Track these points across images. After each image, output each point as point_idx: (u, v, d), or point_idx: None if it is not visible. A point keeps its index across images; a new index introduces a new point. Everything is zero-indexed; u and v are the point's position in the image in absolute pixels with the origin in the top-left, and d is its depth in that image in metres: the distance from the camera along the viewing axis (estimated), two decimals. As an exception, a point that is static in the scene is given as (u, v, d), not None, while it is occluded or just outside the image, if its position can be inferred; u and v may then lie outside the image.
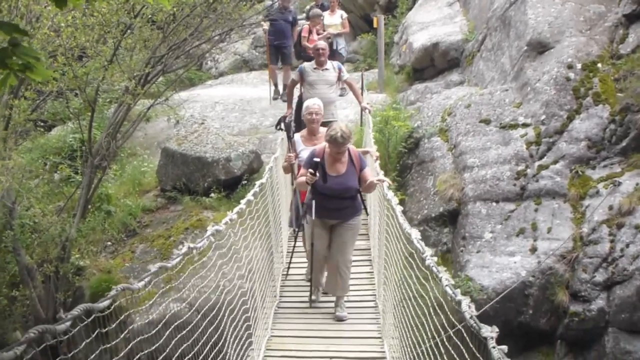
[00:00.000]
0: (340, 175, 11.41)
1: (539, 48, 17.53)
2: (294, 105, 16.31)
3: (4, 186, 14.05)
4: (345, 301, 12.14)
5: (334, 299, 12.19)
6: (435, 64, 23.67)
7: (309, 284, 12.79)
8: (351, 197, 11.68)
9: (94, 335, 5.64)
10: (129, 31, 16.05)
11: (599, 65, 16.39)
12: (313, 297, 12.52)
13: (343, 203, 11.60)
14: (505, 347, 4.92)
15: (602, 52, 16.69)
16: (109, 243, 17.46)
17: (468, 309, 5.77)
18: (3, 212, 15.06)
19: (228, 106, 23.89)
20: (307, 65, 16.18)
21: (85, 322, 5.33)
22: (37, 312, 15.41)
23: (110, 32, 15.42)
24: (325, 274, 12.36)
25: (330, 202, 11.49)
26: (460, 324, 5.87)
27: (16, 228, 15.27)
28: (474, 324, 5.46)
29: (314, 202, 11.50)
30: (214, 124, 22.13)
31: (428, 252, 7.66)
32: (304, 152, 12.28)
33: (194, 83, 28.76)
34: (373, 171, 12.67)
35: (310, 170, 11.13)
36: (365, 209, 12.90)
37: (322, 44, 16.49)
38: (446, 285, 6.50)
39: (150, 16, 16.22)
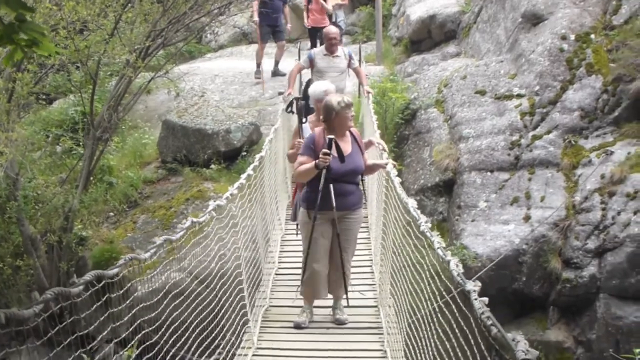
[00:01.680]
0: (348, 155, 10.01)
1: (534, 20, 17.71)
2: (297, 91, 16.08)
3: (7, 158, 14.21)
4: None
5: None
6: (432, 36, 23.80)
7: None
8: (356, 182, 10.41)
9: (103, 299, 5.88)
10: (129, 5, 16.19)
11: (592, 36, 16.56)
12: (303, 318, 10.69)
13: (348, 188, 10.19)
14: (486, 299, 5.09)
15: (595, 23, 16.85)
16: (111, 214, 17.64)
17: (455, 267, 5.98)
18: (7, 183, 15.20)
19: (227, 79, 23.93)
20: (317, 51, 15.85)
21: (96, 287, 5.59)
22: (40, 282, 15.68)
23: (111, 5, 15.58)
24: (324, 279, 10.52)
25: (337, 186, 9.95)
26: (456, 289, 6.05)
27: (20, 199, 15.45)
28: (460, 280, 5.66)
29: (332, 187, 9.87)
30: (213, 97, 22.19)
31: (423, 219, 7.88)
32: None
33: (194, 56, 28.80)
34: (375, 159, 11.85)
35: (325, 150, 9.63)
36: (365, 198, 12.20)
37: (334, 30, 15.85)
38: (438, 248, 6.72)
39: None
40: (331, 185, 9.86)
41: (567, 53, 16.42)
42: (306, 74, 16.82)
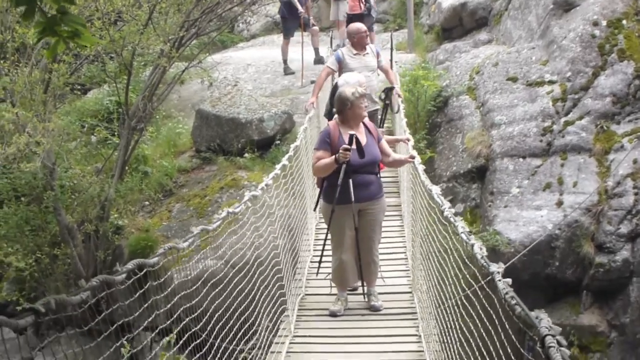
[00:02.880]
0: (365, 146, 10.00)
1: (565, 6, 17.72)
2: (325, 95, 15.14)
3: (45, 148, 14.36)
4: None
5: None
6: (463, 23, 23.79)
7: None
8: (375, 172, 10.38)
9: (145, 287, 6.03)
10: (163, -5, 16.31)
11: (624, 22, 16.57)
12: (337, 307, 10.75)
13: (368, 178, 10.21)
14: (509, 280, 5.17)
15: (627, 9, 16.86)
16: (147, 203, 17.79)
17: (479, 250, 6.07)
18: (44, 173, 15.37)
19: (260, 68, 24.02)
20: (345, 51, 14.76)
21: (138, 276, 5.75)
22: (78, 271, 15.82)
23: (146, -4, 15.72)
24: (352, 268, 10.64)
25: (356, 178, 10.00)
26: (480, 273, 6.12)
27: (57, 189, 15.59)
28: (484, 263, 5.75)
29: (351, 182, 9.90)
30: (246, 86, 22.29)
31: (447, 204, 7.98)
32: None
33: (226, 45, 28.89)
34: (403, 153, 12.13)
35: (345, 145, 9.68)
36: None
37: (362, 26, 14.85)
38: (461, 232, 6.82)
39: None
40: (350, 180, 9.91)
41: (599, 39, 16.43)
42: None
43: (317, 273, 11.17)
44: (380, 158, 10.40)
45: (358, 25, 14.96)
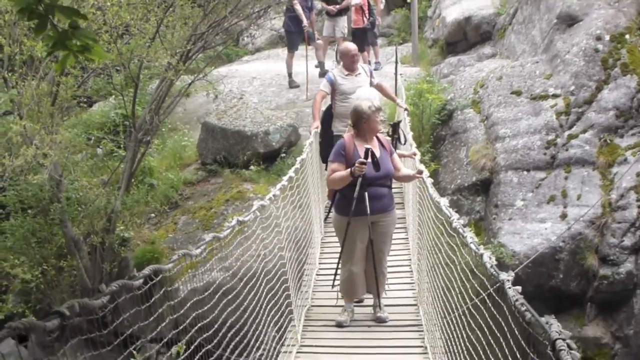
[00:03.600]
0: (379, 159, 10.06)
1: (569, 21, 17.81)
2: (319, 119, 14.63)
3: (52, 160, 14.43)
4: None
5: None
6: (467, 37, 23.96)
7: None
8: (388, 185, 10.48)
9: (161, 292, 6.11)
10: (170, 9, 16.43)
11: (627, 36, 16.66)
12: (344, 317, 10.83)
13: (382, 191, 10.32)
14: (519, 288, 5.28)
15: (629, 23, 16.93)
16: (153, 215, 17.86)
17: (489, 259, 6.16)
18: (50, 185, 15.41)
19: (265, 81, 24.11)
20: (337, 73, 14.37)
21: (154, 281, 5.83)
22: (83, 282, 15.86)
23: (153, 10, 15.83)
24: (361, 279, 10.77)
25: (370, 190, 10.07)
26: (489, 282, 6.19)
27: (63, 201, 15.60)
28: (494, 272, 5.84)
29: (366, 194, 10.00)
30: (252, 99, 22.39)
31: (455, 216, 8.07)
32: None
33: (231, 59, 29.02)
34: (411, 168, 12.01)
35: (362, 159, 9.74)
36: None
37: (353, 46, 14.62)
38: (471, 242, 6.91)
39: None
40: (366, 193, 9.99)
41: (602, 53, 16.51)
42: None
43: (333, 285, 11.04)
44: (392, 172, 10.46)
45: (348, 45, 14.82)
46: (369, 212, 10.00)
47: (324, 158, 14.11)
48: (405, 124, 14.55)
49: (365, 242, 10.36)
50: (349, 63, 14.18)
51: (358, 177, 9.87)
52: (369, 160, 9.81)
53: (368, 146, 9.86)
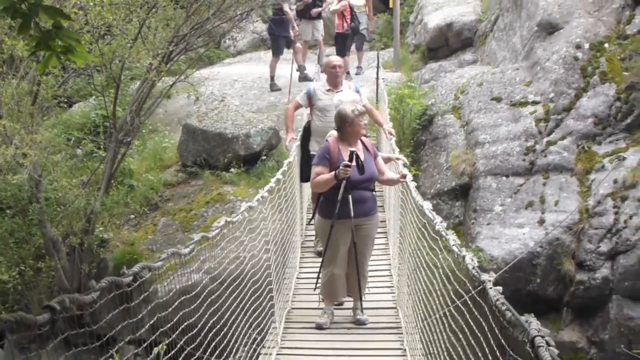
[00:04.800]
0: (363, 162, 9.97)
1: (549, 28, 17.94)
2: (299, 136, 14.15)
3: (32, 160, 14.39)
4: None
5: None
6: (449, 43, 24.08)
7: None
8: (371, 188, 10.42)
9: (146, 294, 6.11)
10: (153, 10, 16.42)
11: (606, 45, 16.77)
12: (324, 320, 10.79)
13: (365, 195, 10.26)
14: (500, 288, 5.36)
15: (609, 32, 17.06)
16: (132, 216, 17.80)
17: (471, 261, 6.23)
18: (30, 185, 15.36)
19: (247, 84, 24.14)
20: (317, 87, 13.60)
21: (144, 278, 5.87)
22: (62, 283, 15.83)
23: (135, 11, 15.80)
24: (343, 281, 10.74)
25: (354, 194, 9.99)
26: (471, 283, 6.24)
27: (42, 201, 15.58)
28: (475, 273, 5.91)
29: (350, 198, 9.94)
30: (233, 101, 22.35)
31: (438, 219, 8.13)
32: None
33: (213, 61, 28.96)
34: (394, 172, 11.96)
35: (346, 162, 9.70)
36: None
37: (337, 59, 13.89)
38: (453, 245, 6.98)
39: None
40: (350, 195, 9.93)
41: (582, 61, 16.63)
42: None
43: (315, 287, 10.99)
44: (377, 175, 10.44)
45: (331, 58, 14.29)
46: (352, 215, 9.96)
47: (301, 178, 13.96)
48: (392, 148, 13.59)
49: (348, 244, 10.31)
50: (331, 77, 13.38)
51: (342, 180, 9.81)
52: (354, 163, 9.76)
53: (353, 149, 9.85)
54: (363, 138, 10.55)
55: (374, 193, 10.54)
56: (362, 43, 24.46)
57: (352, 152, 9.76)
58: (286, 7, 22.02)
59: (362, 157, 10.02)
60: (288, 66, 22.63)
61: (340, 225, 10.12)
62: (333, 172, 9.87)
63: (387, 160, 12.04)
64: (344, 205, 9.95)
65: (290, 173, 12.88)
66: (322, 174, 10.10)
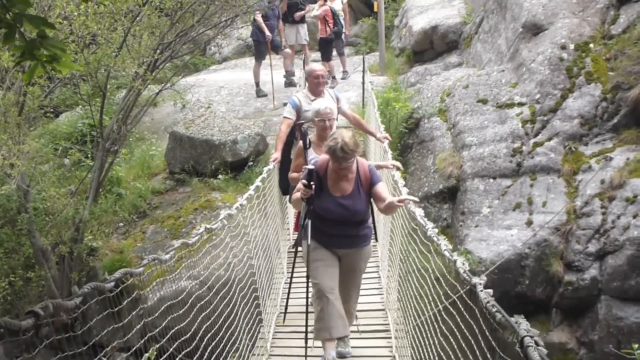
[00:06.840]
0: (345, 196, 8.66)
1: (534, 30, 18.00)
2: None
3: (19, 170, 14.39)
4: None
5: None
6: (434, 46, 24.17)
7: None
8: (360, 221, 8.88)
9: (130, 299, 6.11)
10: (137, 18, 16.41)
11: (591, 45, 16.81)
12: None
13: (350, 230, 8.82)
14: (491, 291, 5.39)
15: (594, 32, 17.11)
16: (121, 224, 17.81)
17: (462, 265, 6.25)
18: (18, 195, 15.37)
19: (233, 90, 24.25)
20: (301, 97, 13.10)
21: (126, 284, 5.85)
22: (52, 292, 15.80)
23: (120, 20, 15.74)
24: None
25: (334, 227, 8.76)
26: (462, 286, 6.26)
27: (30, 211, 15.61)
28: (466, 277, 5.93)
29: (309, 223, 8.93)
30: (220, 108, 22.46)
31: (430, 225, 8.09)
32: (312, 153, 10.28)
33: (199, 68, 29.09)
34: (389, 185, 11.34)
35: (304, 180, 8.45)
36: (375, 234, 10.39)
37: (320, 68, 13.49)
38: (445, 250, 6.99)
39: (158, 3, 16.62)
40: (309, 223, 8.96)
41: (567, 62, 16.67)
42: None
43: (284, 319, 10.93)
44: (363, 212, 8.85)
45: (313, 66, 13.98)
46: (331, 244, 8.92)
47: (284, 190, 13.54)
48: (388, 157, 13.06)
49: (336, 265, 8.98)
50: (313, 86, 13.07)
51: (304, 200, 8.69)
52: (313, 183, 8.47)
53: (310, 167, 8.69)
54: (364, 164, 8.95)
55: (365, 225, 9.04)
56: (342, 47, 24.50)
57: (310, 171, 8.59)
58: (258, 15, 22.01)
59: (349, 188, 8.71)
60: (269, 71, 22.65)
61: (320, 247, 9.01)
62: (298, 194, 8.68)
63: (379, 168, 11.15)
64: (317, 232, 8.94)
65: (269, 180, 12.82)
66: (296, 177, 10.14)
